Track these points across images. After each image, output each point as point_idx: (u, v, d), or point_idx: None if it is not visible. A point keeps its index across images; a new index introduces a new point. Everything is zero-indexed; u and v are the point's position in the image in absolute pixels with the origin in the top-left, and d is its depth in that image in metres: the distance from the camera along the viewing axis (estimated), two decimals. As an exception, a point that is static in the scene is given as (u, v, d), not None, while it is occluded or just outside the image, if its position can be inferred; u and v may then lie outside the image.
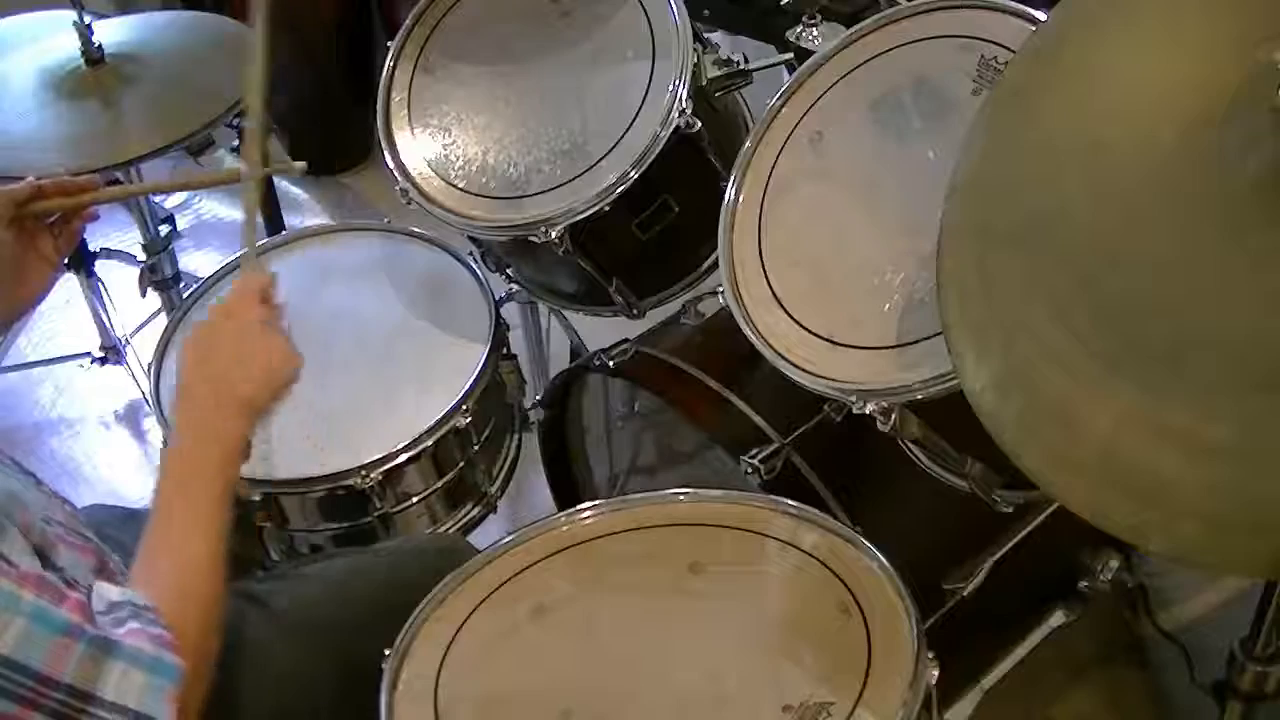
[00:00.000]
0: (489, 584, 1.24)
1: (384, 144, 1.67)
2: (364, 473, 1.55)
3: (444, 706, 1.13)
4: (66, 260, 1.43)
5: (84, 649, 0.93)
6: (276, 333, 1.22)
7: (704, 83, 1.57)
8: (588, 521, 1.30)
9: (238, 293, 1.24)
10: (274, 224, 2.61)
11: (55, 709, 0.92)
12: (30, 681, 0.91)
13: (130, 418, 2.60)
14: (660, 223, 1.61)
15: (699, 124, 1.52)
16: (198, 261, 2.78)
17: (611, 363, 1.58)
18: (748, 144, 1.41)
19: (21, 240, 1.31)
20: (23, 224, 1.31)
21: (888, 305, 1.25)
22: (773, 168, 1.39)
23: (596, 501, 1.32)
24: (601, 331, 1.87)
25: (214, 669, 1.07)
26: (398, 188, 1.64)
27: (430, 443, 1.59)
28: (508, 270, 1.82)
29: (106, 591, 1.01)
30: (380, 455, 1.56)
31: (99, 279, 2.39)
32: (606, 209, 1.54)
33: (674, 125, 1.52)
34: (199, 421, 1.16)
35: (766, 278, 1.33)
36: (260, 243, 1.85)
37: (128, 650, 0.96)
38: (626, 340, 1.63)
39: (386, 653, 1.17)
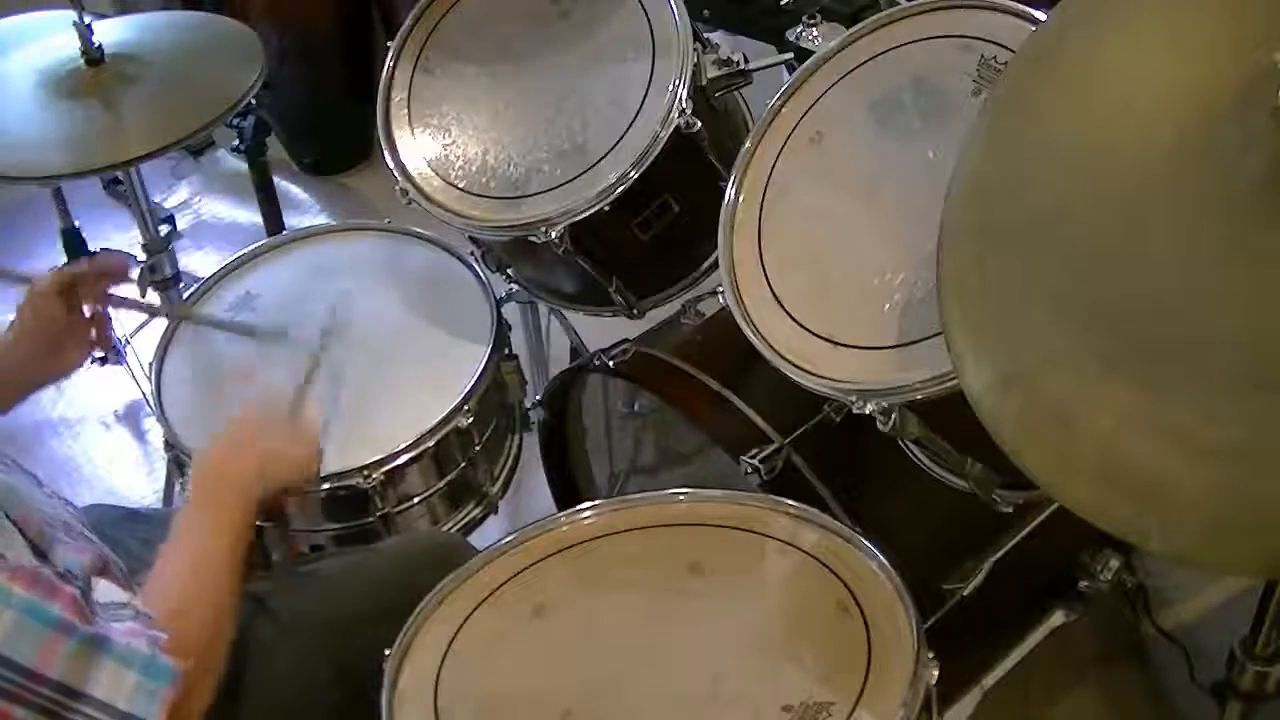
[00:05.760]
0: (489, 584, 1.24)
1: (384, 144, 1.67)
2: (365, 473, 1.55)
3: (444, 706, 1.13)
4: (106, 354, 1.61)
5: (74, 645, 0.93)
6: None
7: (704, 83, 1.57)
8: (588, 521, 1.30)
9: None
10: (274, 224, 2.61)
11: (43, 705, 0.91)
12: (18, 676, 0.90)
13: (130, 418, 2.60)
14: (660, 223, 1.61)
15: (699, 124, 1.52)
16: (198, 261, 2.78)
17: (611, 363, 1.58)
18: (748, 144, 1.41)
19: (67, 314, 1.47)
20: (71, 300, 1.47)
21: (888, 305, 1.25)
22: (773, 168, 1.39)
23: (596, 501, 1.32)
24: (601, 331, 1.87)
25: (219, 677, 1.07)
26: (398, 188, 1.64)
27: (432, 443, 1.59)
28: (508, 270, 1.82)
29: (111, 592, 1.01)
30: (382, 455, 1.56)
31: (99, 279, 2.39)
32: (606, 209, 1.54)
33: (674, 125, 1.52)
34: (223, 478, 1.26)
35: (766, 278, 1.33)
36: (260, 243, 1.87)
37: (120, 649, 0.95)
38: (626, 340, 1.63)
39: (386, 653, 1.17)
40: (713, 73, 1.58)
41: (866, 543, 1.18)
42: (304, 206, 3.07)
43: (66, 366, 1.50)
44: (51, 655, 0.92)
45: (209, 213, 3.12)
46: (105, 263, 1.57)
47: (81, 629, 0.94)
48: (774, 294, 1.32)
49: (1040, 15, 1.22)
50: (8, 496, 1.02)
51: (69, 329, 1.48)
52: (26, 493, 1.08)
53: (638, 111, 1.56)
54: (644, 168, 1.52)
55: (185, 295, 1.84)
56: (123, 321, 2.45)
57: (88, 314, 1.51)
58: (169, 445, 1.63)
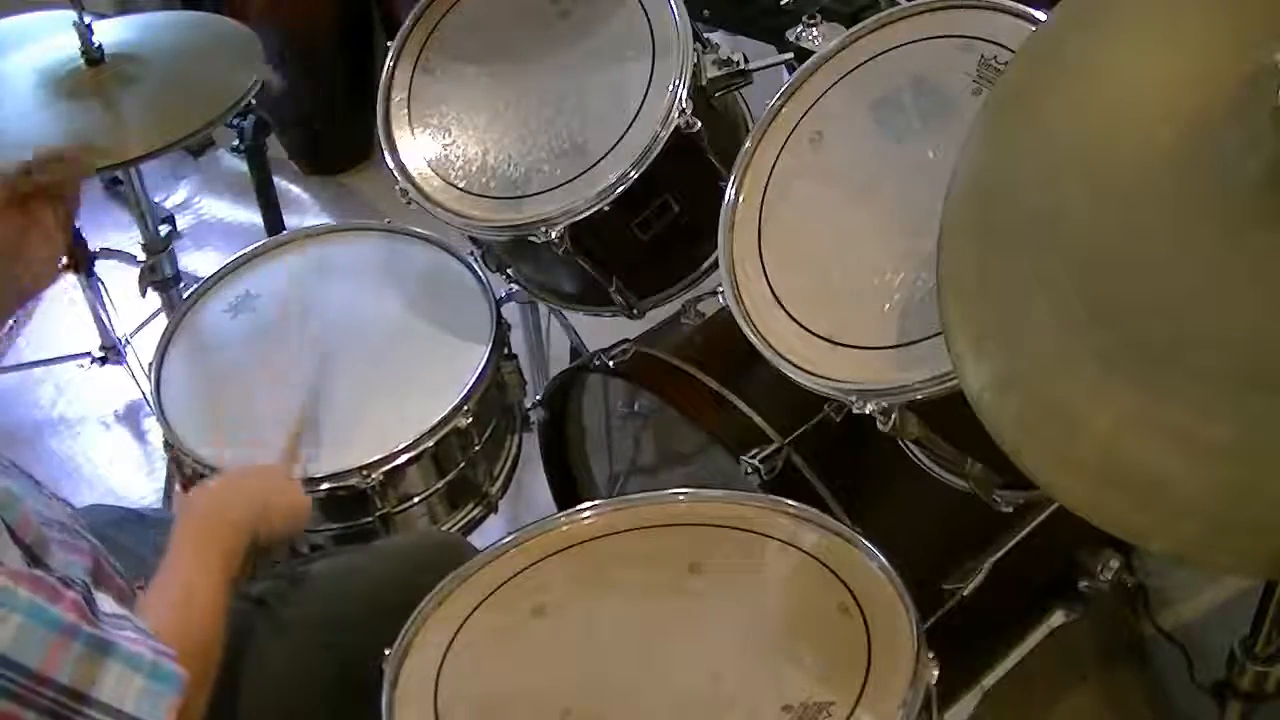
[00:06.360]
0: (489, 584, 1.24)
1: (384, 144, 1.67)
2: (365, 473, 1.55)
3: (444, 706, 1.13)
4: (74, 261, 1.46)
5: (80, 648, 0.93)
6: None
7: (704, 83, 1.57)
8: (588, 521, 1.30)
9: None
10: (274, 224, 2.61)
11: (49, 707, 0.91)
12: (24, 679, 0.90)
13: (130, 418, 2.60)
14: (660, 223, 1.61)
15: (699, 124, 1.52)
16: (198, 261, 2.78)
17: (611, 363, 1.58)
18: (748, 144, 1.41)
19: (21, 217, 1.29)
20: (19, 200, 1.29)
21: (888, 305, 1.25)
22: (773, 168, 1.39)
23: (596, 501, 1.32)
24: (601, 331, 1.87)
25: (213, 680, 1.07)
26: (398, 188, 1.64)
27: (431, 443, 1.59)
28: (508, 270, 1.82)
29: (107, 604, 1.01)
30: (381, 455, 1.56)
31: (99, 279, 2.39)
32: (606, 209, 1.54)
33: (674, 125, 1.52)
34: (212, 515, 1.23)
35: (766, 278, 1.33)
36: (260, 243, 1.87)
37: (125, 652, 0.95)
38: (626, 340, 1.63)
39: (386, 653, 1.17)
40: (713, 73, 1.58)
41: (866, 543, 1.18)
42: (304, 206, 3.07)
43: (36, 282, 1.37)
44: (58, 658, 0.92)
45: (209, 213, 3.12)
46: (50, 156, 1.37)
47: (87, 631, 0.94)
48: (774, 294, 1.32)
49: (1040, 15, 1.22)
50: (5, 500, 1.02)
51: (28, 239, 1.30)
52: (24, 495, 1.08)
53: (638, 111, 1.56)
54: (644, 168, 1.52)
55: (185, 295, 1.84)
56: (123, 323, 2.47)
57: (48, 221, 1.32)
58: (169, 445, 1.63)
